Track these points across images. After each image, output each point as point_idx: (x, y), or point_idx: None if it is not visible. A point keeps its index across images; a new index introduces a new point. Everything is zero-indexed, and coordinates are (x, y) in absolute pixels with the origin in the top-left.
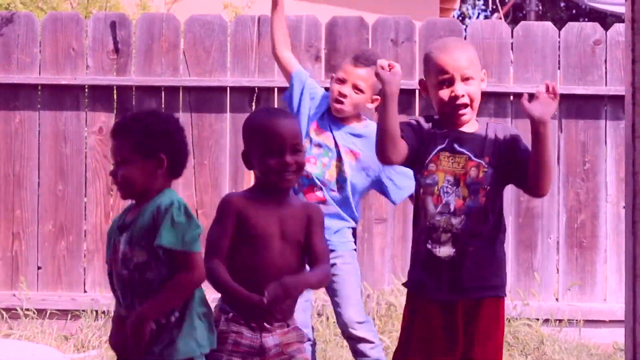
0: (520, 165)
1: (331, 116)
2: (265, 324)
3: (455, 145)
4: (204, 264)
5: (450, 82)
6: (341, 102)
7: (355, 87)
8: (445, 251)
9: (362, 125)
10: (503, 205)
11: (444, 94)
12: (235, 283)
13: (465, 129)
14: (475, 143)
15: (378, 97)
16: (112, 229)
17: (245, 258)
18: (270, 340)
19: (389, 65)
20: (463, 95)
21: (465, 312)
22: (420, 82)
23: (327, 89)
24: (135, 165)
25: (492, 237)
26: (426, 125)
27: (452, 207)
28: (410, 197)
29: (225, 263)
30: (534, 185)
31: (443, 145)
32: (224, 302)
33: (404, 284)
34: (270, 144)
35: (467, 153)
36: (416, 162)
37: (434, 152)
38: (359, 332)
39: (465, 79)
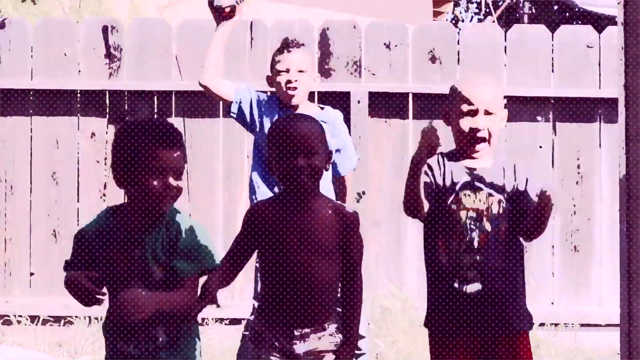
0: (520, 213)
1: (287, 111)
2: (295, 331)
3: (475, 183)
4: None
5: (473, 114)
6: (295, 89)
7: (299, 71)
8: (473, 287)
9: (321, 112)
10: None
11: (465, 124)
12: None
13: (482, 163)
14: (493, 178)
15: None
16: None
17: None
18: (302, 346)
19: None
20: (483, 129)
21: (498, 348)
22: (444, 111)
23: (320, 93)
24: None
25: (515, 268)
26: (441, 163)
27: (475, 244)
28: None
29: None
30: (528, 235)
31: (463, 183)
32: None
33: (425, 325)
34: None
35: (487, 189)
36: (437, 202)
37: (454, 192)
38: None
39: (488, 114)
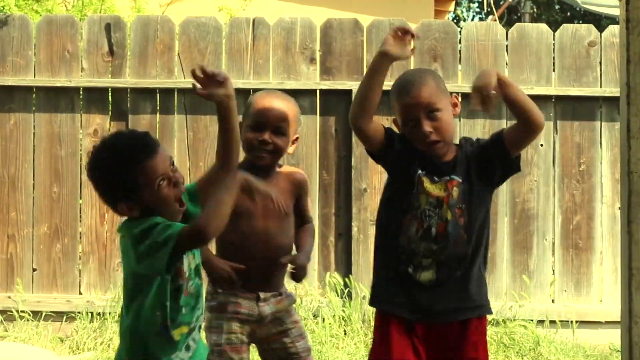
0: (495, 142)
1: None
2: (260, 293)
3: (435, 176)
4: None
5: (416, 122)
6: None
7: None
8: (426, 276)
9: None
10: (488, 221)
11: (413, 135)
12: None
13: (443, 156)
14: (453, 165)
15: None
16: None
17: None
18: (267, 308)
19: (404, 32)
20: (431, 133)
21: (444, 336)
22: (394, 121)
23: (322, 91)
24: None
25: (474, 257)
26: (407, 146)
27: (433, 232)
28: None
29: None
30: (524, 121)
31: (423, 172)
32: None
33: (371, 304)
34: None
35: (448, 176)
36: (397, 180)
37: (414, 175)
38: None
39: (430, 113)
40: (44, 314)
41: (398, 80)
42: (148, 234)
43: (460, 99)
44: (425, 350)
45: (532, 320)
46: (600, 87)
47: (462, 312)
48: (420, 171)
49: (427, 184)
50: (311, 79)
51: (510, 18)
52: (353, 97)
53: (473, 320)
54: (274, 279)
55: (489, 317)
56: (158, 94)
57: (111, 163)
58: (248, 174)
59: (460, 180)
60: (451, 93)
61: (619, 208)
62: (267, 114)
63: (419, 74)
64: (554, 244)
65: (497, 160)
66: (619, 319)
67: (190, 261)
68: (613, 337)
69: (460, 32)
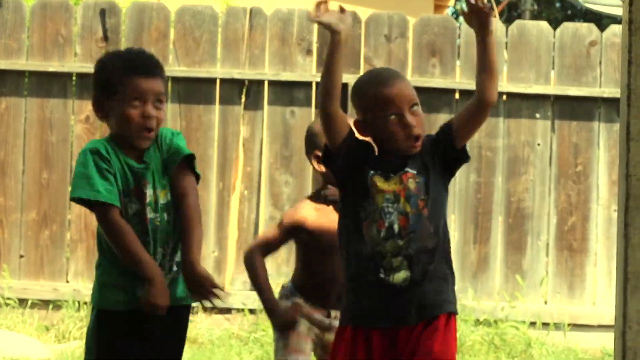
0: (444, 131)
1: None
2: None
3: (390, 173)
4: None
5: (399, 116)
6: None
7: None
8: (400, 276)
9: None
10: (446, 213)
11: (396, 129)
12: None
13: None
14: (405, 159)
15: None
16: (125, 174)
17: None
18: (336, 323)
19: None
20: (416, 126)
21: (415, 336)
22: (356, 122)
23: (319, 83)
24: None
25: (444, 249)
26: (362, 145)
27: (396, 228)
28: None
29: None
30: (482, 88)
31: (373, 172)
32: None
33: (342, 322)
34: None
35: (402, 169)
36: (348, 185)
37: (366, 177)
38: None
39: (411, 108)
40: (30, 302)
41: (370, 74)
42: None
43: (458, 95)
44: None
45: (524, 321)
46: (600, 87)
47: (435, 307)
48: (371, 172)
49: (380, 183)
50: (307, 70)
51: (510, 15)
52: (349, 91)
53: (444, 315)
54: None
55: (481, 318)
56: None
57: (106, 62)
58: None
59: (415, 172)
60: None
61: (615, 210)
62: None
63: (391, 70)
64: (548, 244)
65: (446, 151)
66: (611, 323)
67: (159, 195)
68: (605, 341)
69: (459, 27)
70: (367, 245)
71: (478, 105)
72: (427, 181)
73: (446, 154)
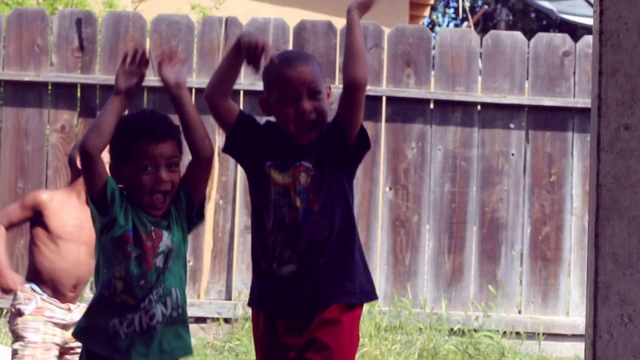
0: (333, 126)
1: None
2: None
3: (288, 162)
4: None
5: (296, 99)
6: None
7: None
8: (288, 269)
9: None
10: (352, 205)
11: (289, 112)
12: None
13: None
14: (304, 150)
15: None
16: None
17: None
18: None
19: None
20: (311, 112)
21: (309, 327)
22: (260, 100)
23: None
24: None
25: (339, 242)
26: (263, 132)
27: (287, 221)
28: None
29: None
30: (346, 68)
31: (270, 162)
32: None
33: (249, 304)
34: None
35: (297, 161)
36: (250, 173)
37: (264, 166)
38: None
39: (312, 94)
40: (5, 311)
41: (281, 55)
42: None
43: (432, 105)
44: (290, 346)
45: (498, 331)
46: (574, 97)
47: (327, 298)
48: (268, 162)
49: (274, 174)
50: None
51: (485, 25)
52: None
53: (338, 306)
54: None
55: (455, 327)
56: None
57: (118, 128)
58: None
59: (309, 165)
60: (329, 86)
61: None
62: None
63: (303, 53)
64: (522, 254)
65: (340, 143)
66: (584, 332)
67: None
68: (579, 350)
69: (434, 38)
70: (265, 235)
71: (347, 87)
72: (321, 175)
73: (342, 146)
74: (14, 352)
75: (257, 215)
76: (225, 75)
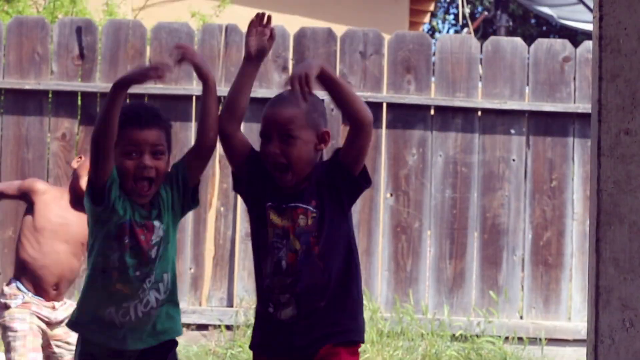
0: (333, 163)
1: None
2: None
3: (283, 205)
4: None
5: (268, 139)
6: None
7: None
8: (287, 313)
9: None
10: (353, 242)
11: (263, 150)
12: None
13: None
14: (300, 192)
15: None
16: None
17: None
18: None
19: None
20: (278, 155)
21: None
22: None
23: None
24: (167, 158)
25: (339, 284)
26: (262, 171)
27: (284, 265)
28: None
29: None
30: (350, 116)
31: (270, 203)
32: None
33: (250, 347)
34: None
35: (295, 203)
36: (252, 211)
37: (264, 206)
38: None
39: (282, 137)
40: None
41: (281, 92)
42: None
43: (433, 111)
44: None
45: (500, 336)
46: (574, 103)
47: (328, 338)
48: (268, 203)
49: (272, 215)
50: (283, 87)
51: (486, 31)
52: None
53: (338, 346)
54: None
55: (457, 333)
56: (128, 99)
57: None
58: None
59: (308, 207)
60: (326, 132)
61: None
62: None
63: (294, 95)
64: (523, 259)
65: (340, 181)
66: (586, 337)
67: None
68: (581, 355)
69: (434, 44)
70: (262, 277)
71: (355, 128)
72: (322, 216)
73: (342, 183)
74: (7, 345)
75: (257, 257)
76: (239, 97)
